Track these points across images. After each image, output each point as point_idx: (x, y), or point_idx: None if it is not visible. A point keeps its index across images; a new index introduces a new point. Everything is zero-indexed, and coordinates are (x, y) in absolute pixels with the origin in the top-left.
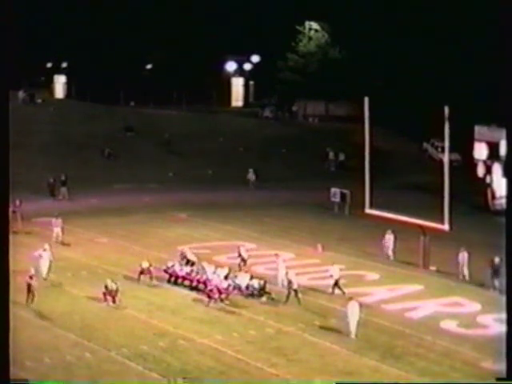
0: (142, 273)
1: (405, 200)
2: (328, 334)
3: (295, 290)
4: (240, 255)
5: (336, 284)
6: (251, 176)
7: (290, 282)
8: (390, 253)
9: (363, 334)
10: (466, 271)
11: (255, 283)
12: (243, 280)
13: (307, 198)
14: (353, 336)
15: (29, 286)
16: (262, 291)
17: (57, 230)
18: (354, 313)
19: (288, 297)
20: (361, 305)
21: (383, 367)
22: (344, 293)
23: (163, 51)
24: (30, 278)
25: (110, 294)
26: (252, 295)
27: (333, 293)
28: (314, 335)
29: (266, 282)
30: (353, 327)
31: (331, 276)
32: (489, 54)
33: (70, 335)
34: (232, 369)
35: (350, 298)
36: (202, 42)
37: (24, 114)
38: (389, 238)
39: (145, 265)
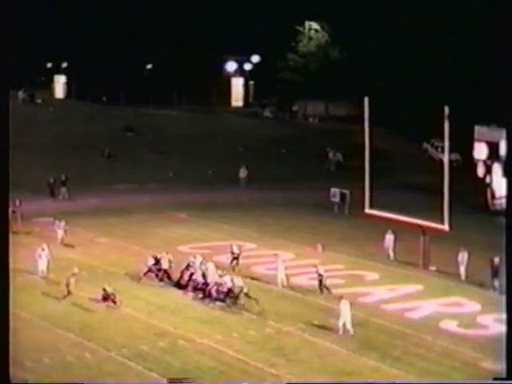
0: (150, 271)
1: (405, 200)
2: (328, 333)
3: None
4: (233, 252)
5: (321, 282)
6: (243, 174)
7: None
8: (391, 253)
9: (363, 334)
10: (462, 271)
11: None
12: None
13: (307, 198)
14: (340, 332)
15: (68, 284)
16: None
17: (60, 233)
18: (345, 311)
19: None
20: (351, 303)
21: (383, 367)
22: (322, 291)
23: (163, 51)
24: (73, 274)
25: (109, 297)
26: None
27: (326, 291)
28: (313, 335)
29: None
30: (348, 325)
31: (320, 275)
32: (489, 54)
33: (70, 335)
34: (232, 369)
35: (341, 297)
36: (202, 42)
37: (24, 114)
38: (389, 238)
39: (165, 265)
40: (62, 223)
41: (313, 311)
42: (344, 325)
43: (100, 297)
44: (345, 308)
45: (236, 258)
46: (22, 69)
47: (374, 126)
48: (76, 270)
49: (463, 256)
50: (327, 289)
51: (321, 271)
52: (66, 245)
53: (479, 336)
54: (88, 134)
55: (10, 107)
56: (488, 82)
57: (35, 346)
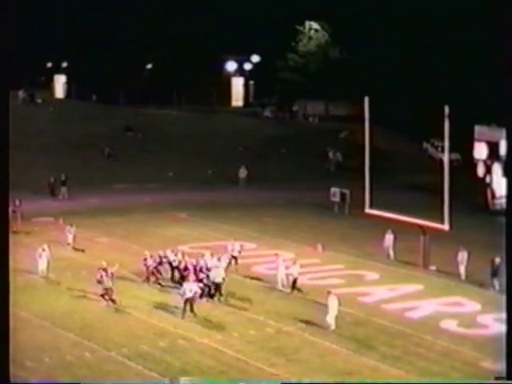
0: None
1: (405, 200)
2: (328, 333)
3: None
4: (232, 250)
5: (293, 283)
6: (242, 173)
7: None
8: (391, 252)
9: (363, 334)
10: (462, 270)
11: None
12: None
13: (307, 198)
14: (332, 328)
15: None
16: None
17: (70, 237)
18: (333, 306)
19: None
20: (339, 298)
21: (383, 367)
22: (297, 290)
23: (163, 51)
24: (104, 270)
25: (107, 292)
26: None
27: (291, 292)
28: (313, 335)
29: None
30: (331, 320)
31: (292, 275)
32: (489, 54)
33: (70, 335)
34: (232, 368)
35: (329, 292)
36: (202, 42)
37: (24, 114)
38: (389, 238)
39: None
40: (73, 228)
41: (313, 311)
42: (336, 320)
43: (98, 295)
44: (333, 303)
45: (235, 258)
46: (22, 69)
47: (374, 126)
48: (104, 264)
49: (463, 255)
50: (294, 287)
51: (294, 271)
52: (77, 249)
53: (479, 336)
54: (88, 133)
55: (10, 107)
56: (488, 81)
57: (35, 345)
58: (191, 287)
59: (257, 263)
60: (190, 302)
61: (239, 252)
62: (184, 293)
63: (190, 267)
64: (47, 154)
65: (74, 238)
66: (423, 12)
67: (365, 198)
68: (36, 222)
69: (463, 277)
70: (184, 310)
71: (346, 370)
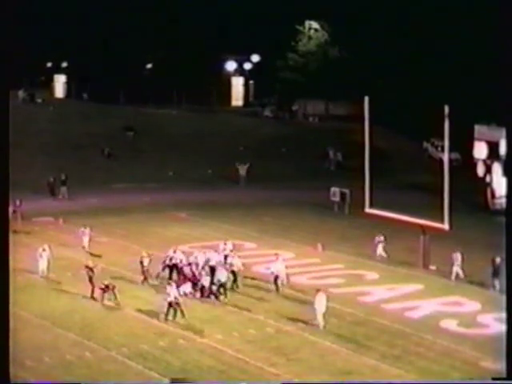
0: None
1: (405, 200)
2: (328, 333)
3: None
4: (224, 249)
5: (275, 280)
6: (242, 171)
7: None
8: (380, 254)
9: (363, 334)
10: (458, 270)
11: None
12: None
13: (307, 198)
14: (321, 327)
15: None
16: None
17: (85, 240)
18: (321, 304)
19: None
20: (328, 296)
21: (383, 367)
22: (278, 289)
23: (163, 51)
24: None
25: (108, 288)
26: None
27: (277, 290)
28: (313, 334)
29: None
30: (320, 318)
31: (272, 273)
32: (489, 54)
33: (70, 335)
34: (232, 368)
35: (318, 290)
36: (202, 42)
37: (24, 113)
38: (378, 241)
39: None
40: (87, 230)
41: (313, 310)
42: (324, 317)
43: (99, 292)
44: (321, 301)
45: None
46: (22, 69)
47: (373, 125)
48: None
49: (456, 256)
50: (276, 284)
51: (273, 270)
52: (93, 255)
53: (479, 335)
54: (88, 133)
55: (10, 107)
56: (488, 81)
57: (35, 345)
58: (170, 291)
59: (257, 263)
60: (172, 305)
61: (231, 251)
62: (168, 296)
63: (183, 269)
64: (47, 154)
65: (90, 240)
66: (423, 12)
67: (365, 197)
68: (36, 222)
69: (462, 276)
70: (175, 313)
71: (345, 369)
